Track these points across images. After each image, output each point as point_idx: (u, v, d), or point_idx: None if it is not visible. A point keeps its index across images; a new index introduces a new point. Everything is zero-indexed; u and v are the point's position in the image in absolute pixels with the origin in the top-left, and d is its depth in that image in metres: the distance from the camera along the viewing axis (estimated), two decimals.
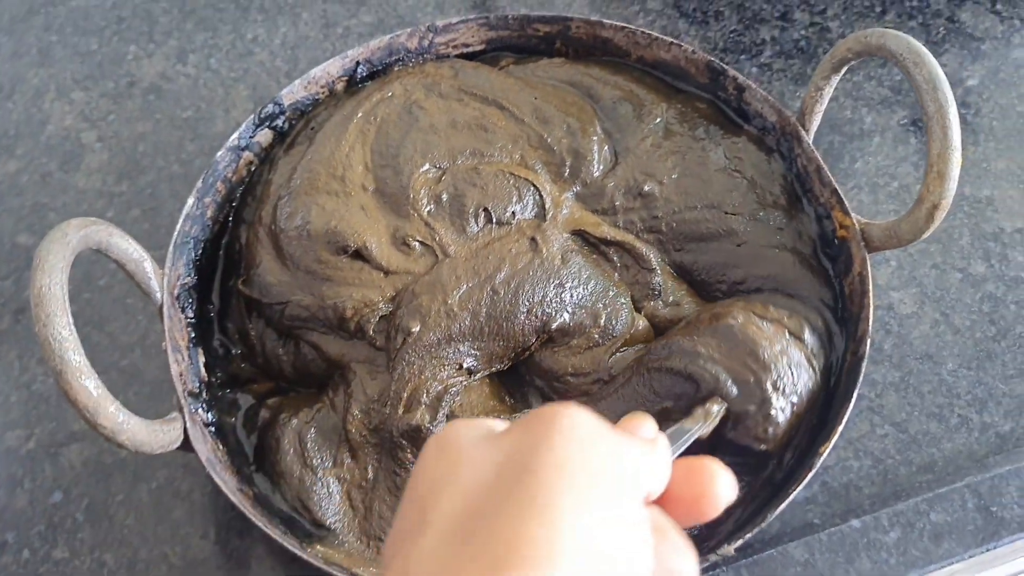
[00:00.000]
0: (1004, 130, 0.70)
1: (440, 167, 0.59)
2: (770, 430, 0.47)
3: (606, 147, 0.60)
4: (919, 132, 0.69)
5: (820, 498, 0.54)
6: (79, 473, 0.57)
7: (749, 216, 0.56)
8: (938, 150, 0.48)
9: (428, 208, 0.57)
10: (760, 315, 0.50)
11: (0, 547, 0.54)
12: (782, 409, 0.47)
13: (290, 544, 0.46)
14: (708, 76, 0.61)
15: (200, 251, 0.57)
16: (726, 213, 0.56)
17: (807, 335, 0.50)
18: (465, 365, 0.52)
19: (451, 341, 0.52)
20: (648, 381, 0.50)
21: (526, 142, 0.60)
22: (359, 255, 0.55)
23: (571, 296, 0.54)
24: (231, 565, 0.53)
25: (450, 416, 0.52)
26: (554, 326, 0.53)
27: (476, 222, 0.56)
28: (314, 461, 0.51)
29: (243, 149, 0.60)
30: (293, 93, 0.62)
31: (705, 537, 0.48)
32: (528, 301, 0.53)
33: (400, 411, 0.51)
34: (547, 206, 0.57)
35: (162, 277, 0.51)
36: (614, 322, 0.54)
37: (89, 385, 0.41)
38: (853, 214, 0.53)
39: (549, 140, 0.59)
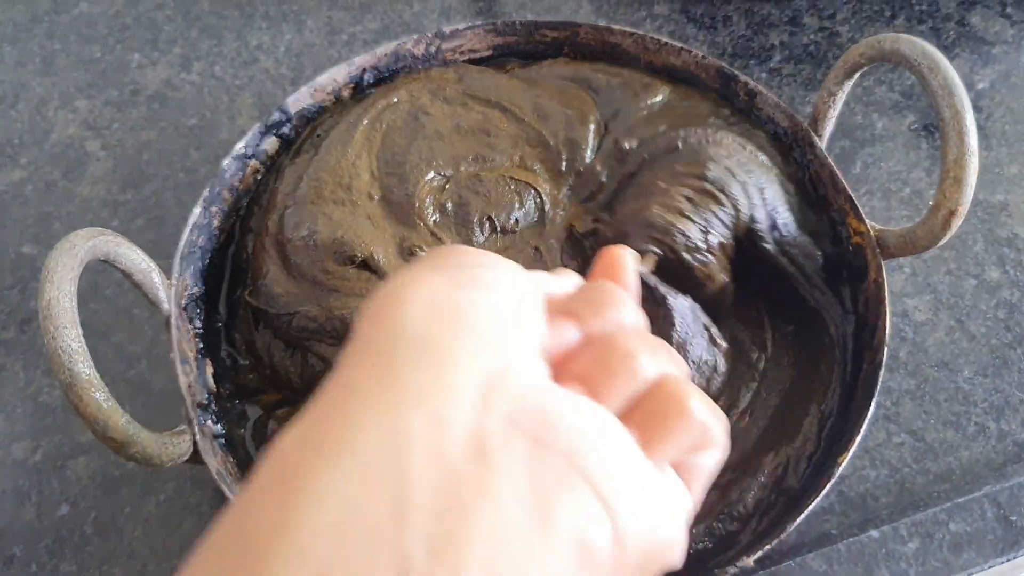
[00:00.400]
0: (1016, 134, 0.69)
1: (444, 175, 0.58)
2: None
3: (602, 134, 0.59)
4: (930, 137, 0.69)
5: (837, 508, 0.54)
6: (86, 486, 0.56)
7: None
8: (955, 156, 0.47)
9: (434, 218, 0.56)
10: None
11: (8, 561, 0.54)
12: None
13: None
14: (719, 81, 0.61)
15: (207, 261, 0.57)
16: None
17: None
18: None
19: None
20: None
21: (525, 142, 0.59)
22: (366, 265, 0.54)
23: None
24: None
25: None
26: None
27: (481, 231, 0.56)
28: None
29: (249, 157, 0.60)
30: (299, 100, 0.62)
31: (724, 549, 0.47)
32: None
33: None
34: (547, 209, 0.57)
35: (170, 288, 0.50)
36: None
37: (99, 398, 0.40)
38: (868, 220, 0.53)
39: (547, 135, 0.59)
